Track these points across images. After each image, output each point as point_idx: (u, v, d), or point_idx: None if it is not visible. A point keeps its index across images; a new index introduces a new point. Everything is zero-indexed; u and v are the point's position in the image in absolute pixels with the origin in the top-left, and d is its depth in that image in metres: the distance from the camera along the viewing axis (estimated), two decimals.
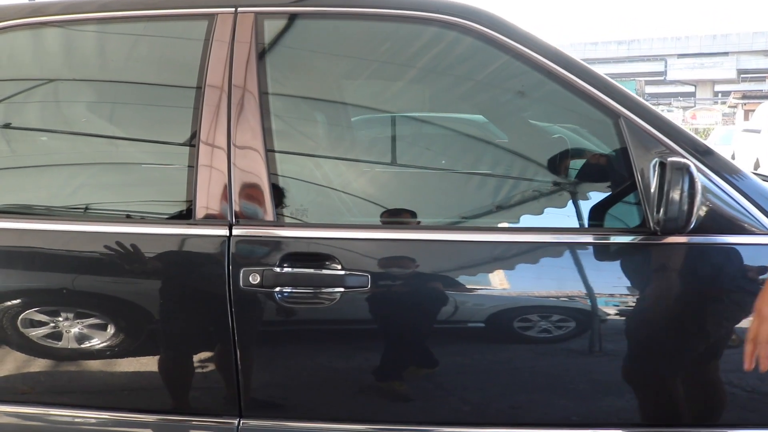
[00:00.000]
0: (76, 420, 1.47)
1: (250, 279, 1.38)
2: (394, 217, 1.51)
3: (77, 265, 1.46)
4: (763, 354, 1.22)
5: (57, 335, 1.45)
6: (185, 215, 1.46)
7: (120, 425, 1.48)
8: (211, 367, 1.45)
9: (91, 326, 1.45)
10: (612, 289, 1.40)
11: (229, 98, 1.44)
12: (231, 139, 1.43)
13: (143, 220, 1.51)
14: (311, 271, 1.39)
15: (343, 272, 1.37)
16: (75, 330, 1.44)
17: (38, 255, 1.48)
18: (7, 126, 1.65)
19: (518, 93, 1.61)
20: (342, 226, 1.47)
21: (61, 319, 1.45)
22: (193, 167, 1.44)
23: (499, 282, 1.39)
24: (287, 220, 1.46)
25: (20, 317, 1.45)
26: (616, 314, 1.40)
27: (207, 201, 1.43)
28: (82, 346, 1.45)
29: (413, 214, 1.51)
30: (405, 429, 1.44)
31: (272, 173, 1.44)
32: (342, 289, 1.37)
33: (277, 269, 1.38)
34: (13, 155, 1.71)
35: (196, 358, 1.46)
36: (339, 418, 1.44)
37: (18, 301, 1.47)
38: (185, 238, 1.44)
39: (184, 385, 1.47)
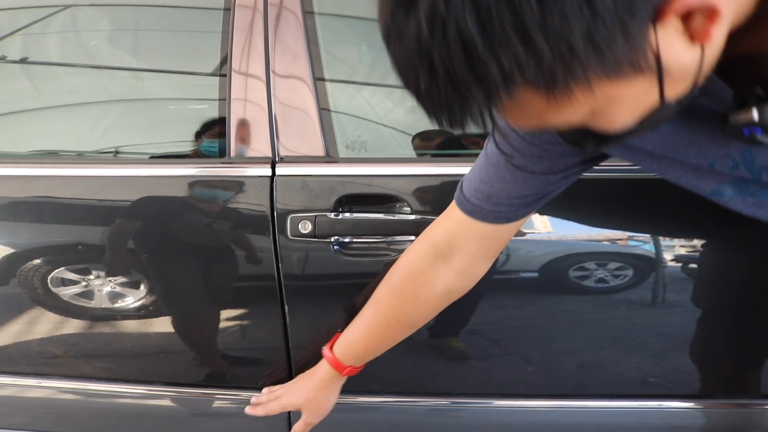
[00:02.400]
0: (110, 391, 1.30)
1: (300, 227, 1.14)
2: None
3: (105, 214, 1.24)
4: None
5: (89, 294, 1.26)
6: (218, 152, 1.22)
7: (151, 398, 1.30)
8: (255, 331, 1.22)
9: (123, 284, 1.25)
10: None
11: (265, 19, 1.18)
12: (270, 66, 1.17)
13: (168, 161, 1.26)
14: (375, 216, 1.13)
15: (413, 217, 1.11)
16: (107, 288, 1.24)
17: (68, 205, 1.27)
18: (24, 61, 1.43)
19: None
20: (409, 161, 1.19)
21: (92, 276, 1.25)
22: (225, 99, 1.20)
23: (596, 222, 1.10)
24: (341, 155, 1.20)
25: (50, 275, 1.26)
26: None
27: (242, 135, 1.19)
28: (115, 305, 1.25)
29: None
30: (472, 401, 1.20)
31: (320, 100, 1.18)
32: (412, 238, 1.11)
33: (333, 215, 1.13)
34: (37, 94, 1.50)
35: (236, 321, 1.23)
36: (405, 390, 1.22)
37: (48, 257, 1.28)
38: (218, 179, 1.20)
39: (223, 354, 1.25)
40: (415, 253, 0.95)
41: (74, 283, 1.26)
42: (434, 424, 1.24)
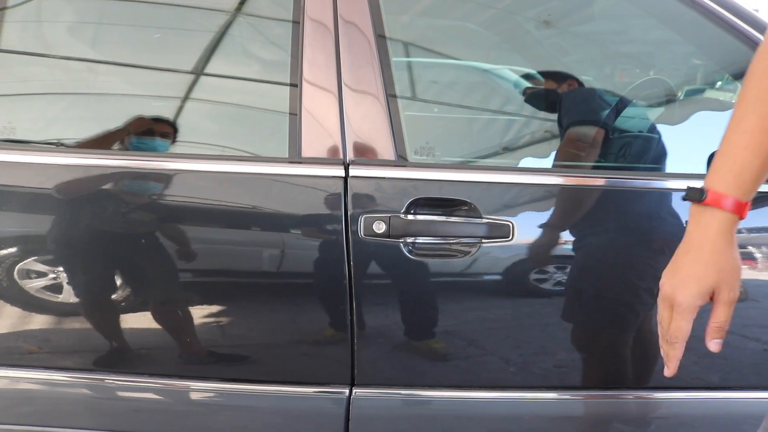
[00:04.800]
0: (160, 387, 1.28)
1: (374, 227, 1.18)
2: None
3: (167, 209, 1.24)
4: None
5: (142, 292, 1.24)
6: (289, 153, 1.24)
7: (206, 392, 1.29)
8: (320, 329, 1.24)
9: (182, 281, 1.24)
10: None
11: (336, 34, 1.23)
12: (341, 80, 1.23)
13: (238, 158, 1.27)
14: (447, 218, 1.19)
15: (482, 220, 1.19)
16: (164, 285, 1.23)
17: (128, 196, 1.25)
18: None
19: None
20: (478, 168, 1.27)
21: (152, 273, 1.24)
22: (296, 101, 1.23)
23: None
24: (412, 159, 1.26)
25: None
26: None
27: (316, 136, 1.22)
28: (173, 302, 1.25)
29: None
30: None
31: (392, 107, 1.23)
32: (482, 240, 1.19)
33: (407, 216, 1.18)
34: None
35: (301, 318, 1.26)
36: (473, 385, 1.27)
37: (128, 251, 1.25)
38: (289, 178, 1.23)
39: (285, 351, 1.27)
40: None
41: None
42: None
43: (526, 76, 1.58)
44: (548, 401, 1.28)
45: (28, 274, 1.23)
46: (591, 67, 1.72)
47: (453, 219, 1.19)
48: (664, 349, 0.84)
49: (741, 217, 0.81)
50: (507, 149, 1.36)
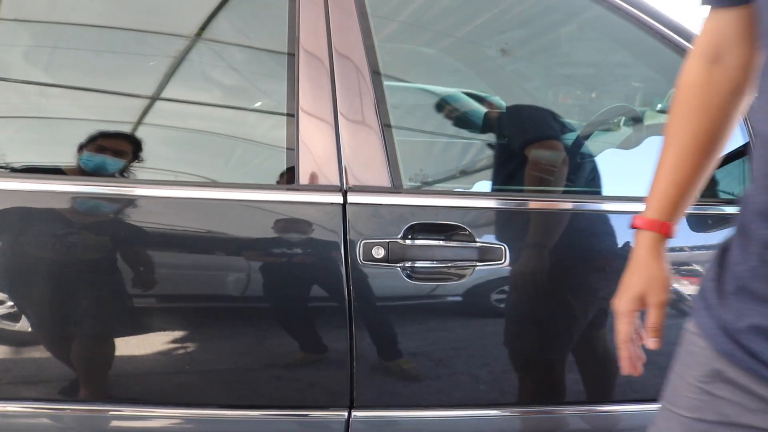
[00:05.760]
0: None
1: (373, 252, 1.21)
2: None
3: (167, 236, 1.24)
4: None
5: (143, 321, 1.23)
6: (286, 180, 1.27)
7: (204, 419, 1.27)
8: (320, 353, 1.26)
9: (184, 308, 1.24)
10: None
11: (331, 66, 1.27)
12: (337, 109, 1.26)
13: (234, 185, 1.29)
14: (443, 243, 1.24)
15: (478, 244, 1.24)
16: (160, 312, 1.22)
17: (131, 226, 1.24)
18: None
19: None
20: (471, 194, 1.32)
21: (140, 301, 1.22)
22: (293, 130, 1.25)
23: None
24: (407, 186, 1.30)
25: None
26: None
27: (313, 163, 1.25)
28: (165, 330, 1.24)
29: None
30: (537, 410, 1.33)
31: (386, 135, 1.28)
32: (476, 263, 1.24)
33: (405, 241, 1.22)
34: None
35: (301, 343, 1.27)
36: (469, 404, 1.31)
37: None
38: (288, 205, 1.25)
39: (285, 375, 1.27)
40: (688, 72, 0.94)
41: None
42: None
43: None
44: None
45: None
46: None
47: (449, 243, 1.24)
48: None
49: (666, 236, 0.96)
50: (498, 173, 1.43)
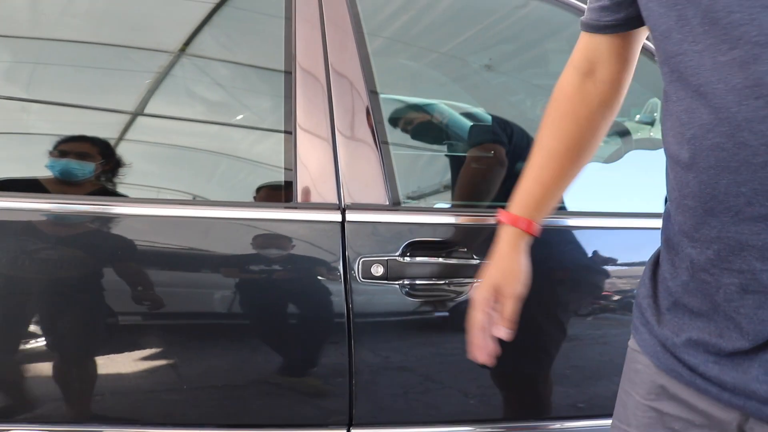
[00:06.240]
0: None
1: (372, 270, 1.21)
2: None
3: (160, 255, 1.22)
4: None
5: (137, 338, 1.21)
6: (284, 198, 1.26)
7: None
8: (319, 371, 1.25)
9: (175, 327, 1.22)
10: None
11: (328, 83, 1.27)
12: (335, 127, 1.26)
13: (233, 203, 1.28)
14: (442, 260, 1.25)
15: (476, 261, 1.25)
16: (156, 331, 1.21)
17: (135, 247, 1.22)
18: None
19: None
20: (467, 211, 1.34)
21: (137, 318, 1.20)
22: (291, 148, 1.25)
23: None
24: (405, 204, 1.30)
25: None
26: None
27: (311, 181, 1.24)
28: (162, 349, 1.22)
29: None
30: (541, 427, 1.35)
31: (384, 152, 1.28)
32: (474, 280, 1.24)
33: (404, 259, 1.23)
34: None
35: (300, 361, 1.26)
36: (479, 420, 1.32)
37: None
38: (286, 223, 1.24)
39: (284, 393, 1.26)
40: (563, 81, 0.99)
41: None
42: None
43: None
44: None
45: None
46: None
47: (448, 260, 1.25)
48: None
49: (528, 233, 1.01)
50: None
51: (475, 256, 1.24)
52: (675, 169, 0.73)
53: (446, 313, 1.27)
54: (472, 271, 1.24)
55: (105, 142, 1.27)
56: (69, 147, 1.25)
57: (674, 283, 0.76)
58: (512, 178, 1.48)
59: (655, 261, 0.83)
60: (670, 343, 0.76)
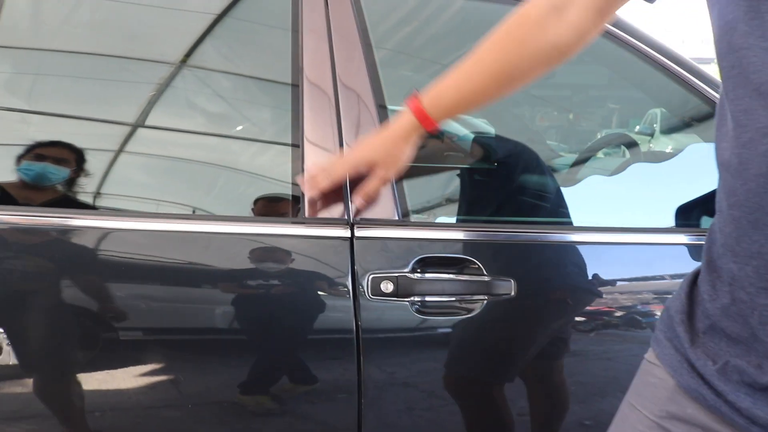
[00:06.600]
0: None
1: (382, 287, 1.19)
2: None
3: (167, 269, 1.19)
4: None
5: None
6: (290, 213, 1.23)
7: None
8: (327, 389, 1.23)
9: (180, 342, 1.19)
10: None
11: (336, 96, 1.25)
12: (343, 140, 1.24)
13: (241, 218, 1.25)
14: (453, 276, 1.22)
15: (487, 278, 1.22)
16: (160, 347, 1.17)
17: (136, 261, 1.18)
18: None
19: None
20: (480, 226, 1.31)
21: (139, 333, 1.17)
22: (299, 161, 1.22)
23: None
24: (414, 219, 1.28)
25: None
26: None
27: (318, 196, 1.22)
28: (170, 365, 1.18)
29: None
30: None
31: None
32: (485, 297, 1.22)
33: (414, 275, 1.20)
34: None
35: (308, 379, 1.22)
36: None
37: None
38: (294, 239, 1.21)
39: (291, 410, 1.23)
40: (529, 5, 0.94)
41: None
42: None
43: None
44: None
45: None
46: None
47: (459, 276, 1.23)
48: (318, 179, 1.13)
49: (425, 127, 1.03)
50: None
51: (486, 273, 1.22)
52: (724, 176, 0.69)
53: (457, 330, 1.24)
54: (484, 288, 1.22)
55: (78, 148, 1.23)
56: (46, 152, 1.22)
57: (713, 306, 0.72)
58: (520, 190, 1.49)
59: (693, 280, 0.78)
60: (701, 365, 0.72)
